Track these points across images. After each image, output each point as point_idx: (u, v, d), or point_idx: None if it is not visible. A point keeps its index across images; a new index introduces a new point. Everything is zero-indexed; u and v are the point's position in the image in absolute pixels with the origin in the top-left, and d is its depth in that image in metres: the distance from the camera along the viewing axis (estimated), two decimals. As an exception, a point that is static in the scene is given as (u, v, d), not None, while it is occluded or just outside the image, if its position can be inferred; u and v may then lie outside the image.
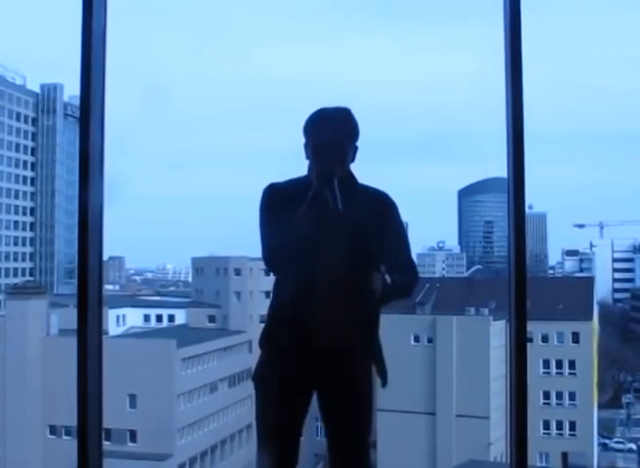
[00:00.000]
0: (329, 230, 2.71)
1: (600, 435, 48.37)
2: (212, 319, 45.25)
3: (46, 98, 77.21)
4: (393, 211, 2.92)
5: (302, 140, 2.92)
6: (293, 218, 2.69)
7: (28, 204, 75.93)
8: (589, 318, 46.16)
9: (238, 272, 44.95)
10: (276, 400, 2.84)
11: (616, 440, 50.60)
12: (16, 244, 73.56)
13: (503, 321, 37.41)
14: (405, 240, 2.95)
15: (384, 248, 2.80)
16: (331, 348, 2.76)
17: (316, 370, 2.80)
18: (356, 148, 2.90)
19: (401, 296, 2.87)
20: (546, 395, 45.02)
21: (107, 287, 64.17)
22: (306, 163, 2.93)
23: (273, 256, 2.81)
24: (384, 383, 2.92)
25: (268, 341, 2.89)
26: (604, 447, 49.04)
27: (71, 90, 71.37)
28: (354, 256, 2.74)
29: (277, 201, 2.82)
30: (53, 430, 37.42)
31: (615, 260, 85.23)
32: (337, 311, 2.75)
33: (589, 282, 53.60)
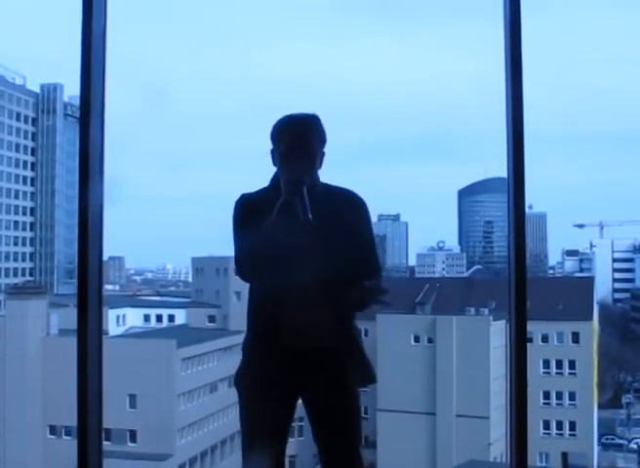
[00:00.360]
0: (299, 238, 2.70)
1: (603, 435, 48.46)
2: (212, 319, 45.24)
3: (46, 98, 77.22)
4: (363, 210, 2.91)
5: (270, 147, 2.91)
6: (262, 227, 2.70)
7: (28, 204, 75.94)
8: (589, 318, 46.18)
9: (238, 272, 44.92)
10: (260, 404, 2.83)
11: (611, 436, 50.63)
12: (16, 244, 73.56)
13: (503, 321, 37.42)
14: (373, 241, 2.94)
15: (354, 250, 2.79)
16: (306, 351, 2.78)
17: (298, 370, 2.81)
18: (323, 154, 2.90)
19: (370, 304, 2.85)
20: (546, 395, 45.03)
21: (107, 287, 64.18)
22: None
23: (242, 264, 2.82)
24: (370, 382, 2.91)
25: (248, 346, 2.93)
26: (604, 446, 49.07)
27: (71, 90, 71.42)
28: (325, 262, 2.73)
29: (248, 211, 2.83)
30: (53, 430, 37.40)
31: (615, 260, 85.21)
32: (309, 314, 2.76)
33: (589, 282, 53.60)
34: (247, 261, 2.80)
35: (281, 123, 2.89)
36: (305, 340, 2.77)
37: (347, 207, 2.86)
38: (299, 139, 2.83)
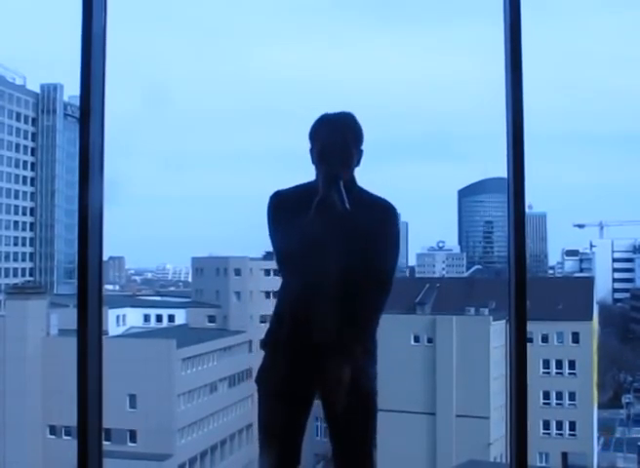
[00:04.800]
0: (336, 232, 2.74)
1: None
2: (212, 319, 45.22)
3: (46, 98, 77.19)
4: (395, 219, 2.94)
5: (308, 146, 2.95)
6: (301, 222, 2.73)
7: (28, 204, 75.92)
8: (589, 318, 46.17)
9: (238, 272, 44.93)
10: (280, 401, 2.85)
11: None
12: (16, 244, 73.54)
13: (503, 321, 37.43)
14: (397, 249, 2.96)
15: (379, 253, 2.82)
16: (333, 348, 2.77)
17: (319, 370, 2.80)
18: (361, 152, 2.94)
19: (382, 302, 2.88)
20: (546, 395, 45.03)
21: (107, 287, 64.19)
22: (307, 164, 2.96)
23: (286, 260, 2.86)
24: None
25: (273, 342, 2.91)
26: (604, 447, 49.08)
27: (71, 90, 71.35)
28: (357, 259, 2.76)
29: (284, 207, 2.87)
30: (53, 430, 37.40)
31: (615, 260, 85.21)
32: (340, 312, 2.76)
33: (589, 282, 53.61)
34: (290, 257, 2.83)
35: (317, 122, 2.95)
36: (332, 340, 2.77)
37: (384, 212, 2.89)
38: (334, 138, 2.87)
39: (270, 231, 2.91)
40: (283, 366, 2.84)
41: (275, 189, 2.96)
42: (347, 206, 2.73)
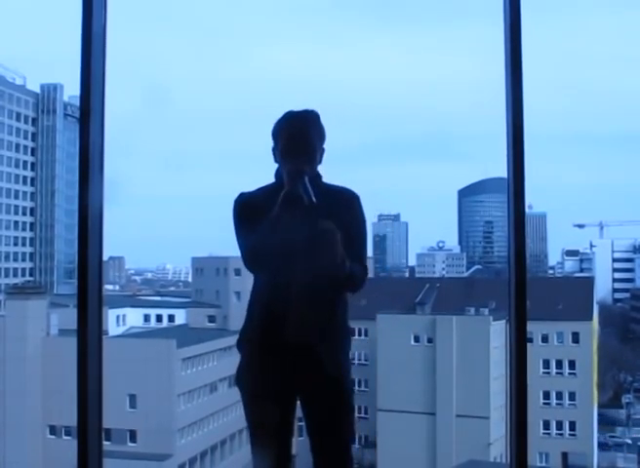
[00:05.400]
0: (303, 227, 2.72)
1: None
2: (212, 319, 45.22)
3: (46, 98, 77.15)
4: (359, 206, 2.95)
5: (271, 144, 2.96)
6: (268, 219, 2.72)
7: (28, 204, 75.88)
8: (589, 318, 46.15)
9: (238, 272, 44.88)
10: (263, 400, 2.87)
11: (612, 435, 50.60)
12: (16, 244, 73.51)
13: (503, 321, 37.45)
14: (365, 236, 2.98)
15: (349, 242, 2.80)
16: (310, 345, 2.80)
17: (297, 368, 2.82)
18: (323, 150, 2.96)
19: (354, 288, 2.88)
20: (546, 395, 45.02)
21: (107, 287, 64.18)
22: None
23: (252, 257, 2.83)
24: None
25: (249, 341, 2.92)
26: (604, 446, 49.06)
27: (71, 90, 71.34)
28: (321, 258, 2.75)
29: (248, 208, 2.86)
30: (53, 430, 37.38)
31: (615, 260, 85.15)
32: (315, 308, 2.78)
33: (589, 282, 53.61)
34: (254, 253, 2.81)
35: (281, 120, 2.95)
36: (305, 337, 2.79)
37: (348, 201, 2.91)
38: (298, 135, 2.89)
39: (237, 232, 2.90)
40: (259, 365, 2.85)
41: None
42: (314, 199, 2.71)
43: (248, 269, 2.89)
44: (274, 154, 2.94)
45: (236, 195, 2.94)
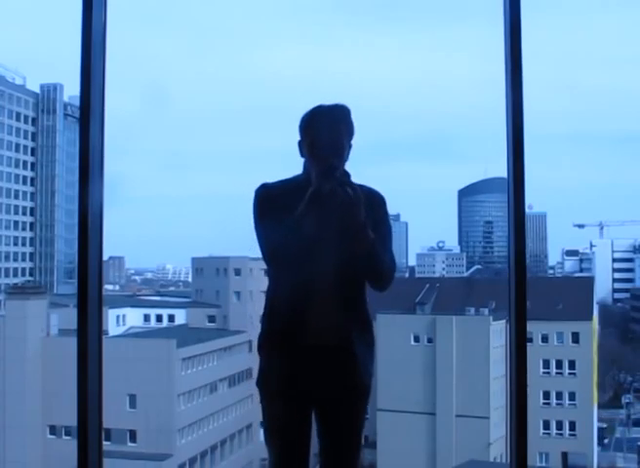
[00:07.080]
0: (332, 225, 2.66)
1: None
2: (212, 319, 45.21)
3: (46, 98, 77.13)
4: (385, 208, 2.92)
5: (297, 138, 2.87)
6: (293, 217, 2.64)
7: (28, 204, 75.87)
8: (589, 318, 46.15)
9: (238, 272, 44.93)
10: (284, 403, 2.80)
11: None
12: (16, 244, 73.50)
13: (503, 321, 37.43)
14: (391, 237, 2.95)
15: (380, 240, 2.78)
16: (331, 347, 2.76)
17: (322, 370, 2.77)
18: (351, 146, 2.87)
19: (385, 279, 2.86)
20: (546, 395, 45.01)
21: (107, 287, 64.19)
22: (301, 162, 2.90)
23: (276, 256, 2.75)
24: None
25: (271, 343, 2.84)
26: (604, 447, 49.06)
27: (71, 90, 71.34)
28: (345, 258, 2.72)
29: (273, 200, 2.77)
30: (53, 430, 37.39)
31: (615, 260, 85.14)
32: (338, 309, 2.75)
33: (589, 282, 53.57)
34: (279, 250, 2.72)
35: (310, 113, 2.85)
36: (326, 339, 2.74)
37: (375, 202, 2.86)
38: (329, 129, 2.79)
39: (257, 226, 2.80)
40: (281, 367, 2.79)
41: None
42: (350, 192, 2.63)
43: (267, 265, 2.81)
44: (300, 148, 2.85)
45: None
